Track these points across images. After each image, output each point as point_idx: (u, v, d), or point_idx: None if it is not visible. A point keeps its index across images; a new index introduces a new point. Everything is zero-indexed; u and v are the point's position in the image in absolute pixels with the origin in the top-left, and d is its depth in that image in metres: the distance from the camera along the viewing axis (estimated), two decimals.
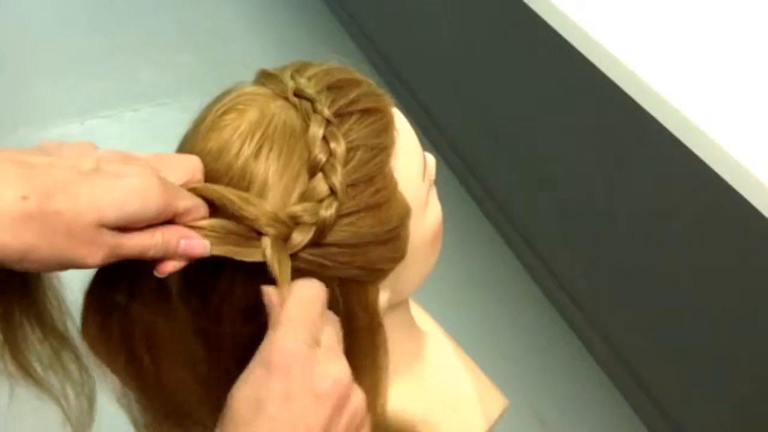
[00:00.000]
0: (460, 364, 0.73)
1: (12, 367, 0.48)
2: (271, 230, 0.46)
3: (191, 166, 0.47)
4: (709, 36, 1.07)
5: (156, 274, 0.45)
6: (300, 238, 0.46)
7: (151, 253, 0.44)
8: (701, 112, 0.95)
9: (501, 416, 0.72)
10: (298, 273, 0.46)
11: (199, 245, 0.45)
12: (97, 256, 0.42)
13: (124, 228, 0.42)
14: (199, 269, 0.46)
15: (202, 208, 0.46)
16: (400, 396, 0.59)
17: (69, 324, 0.51)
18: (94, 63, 2.38)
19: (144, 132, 2.14)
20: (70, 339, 0.51)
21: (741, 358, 1.27)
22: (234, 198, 0.45)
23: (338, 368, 0.44)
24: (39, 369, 0.50)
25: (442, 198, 0.58)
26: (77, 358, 0.52)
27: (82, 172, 0.41)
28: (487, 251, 1.86)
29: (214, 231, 0.45)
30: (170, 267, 0.45)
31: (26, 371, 0.49)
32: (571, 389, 1.58)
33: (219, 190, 0.46)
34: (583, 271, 1.64)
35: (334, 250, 0.47)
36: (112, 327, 0.50)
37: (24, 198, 0.39)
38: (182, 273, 0.46)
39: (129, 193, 0.42)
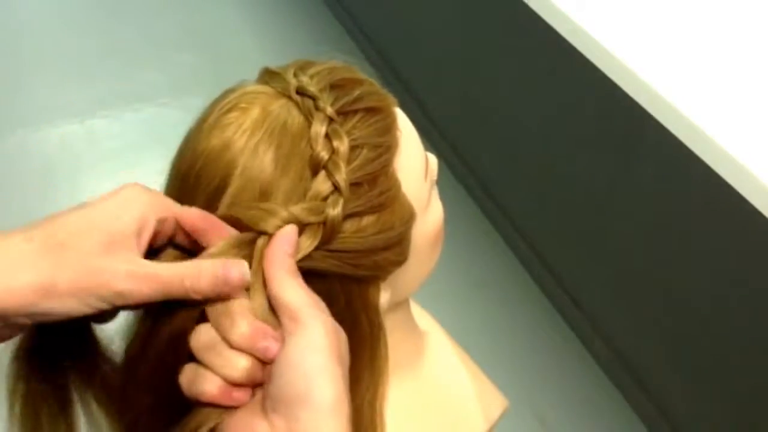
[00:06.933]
0: (460, 364, 0.73)
1: None
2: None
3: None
4: (709, 36, 1.07)
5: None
6: (308, 241, 0.45)
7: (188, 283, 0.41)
8: (701, 111, 0.95)
9: (501, 417, 0.72)
10: (302, 274, 0.45)
11: (236, 268, 0.42)
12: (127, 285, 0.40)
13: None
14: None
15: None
16: (400, 396, 0.59)
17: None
18: (95, 63, 2.38)
19: (144, 132, 2.14)
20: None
21: (741, 357, 1.27)
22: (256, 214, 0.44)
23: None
24: None
25: (441, 198, 0.57)
26: None
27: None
28: (487, 251, 1.86)
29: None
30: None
31: None
32: (571, 389, 1.58)
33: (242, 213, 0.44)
34: (583, 271, 1.64)
35: (341, 254, 0.46)
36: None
37: (29, 240, 0.40)
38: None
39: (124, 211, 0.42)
